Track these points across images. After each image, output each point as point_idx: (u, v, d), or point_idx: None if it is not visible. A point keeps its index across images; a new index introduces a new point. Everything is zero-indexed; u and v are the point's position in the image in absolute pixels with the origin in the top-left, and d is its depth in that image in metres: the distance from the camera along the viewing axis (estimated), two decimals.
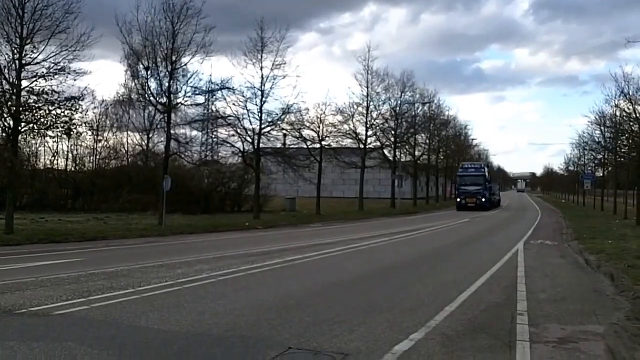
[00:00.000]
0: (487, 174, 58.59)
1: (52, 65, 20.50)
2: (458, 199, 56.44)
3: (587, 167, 61.52)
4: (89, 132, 40.65)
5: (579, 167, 67.17)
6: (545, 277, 13.17)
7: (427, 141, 64.82)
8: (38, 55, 20.44)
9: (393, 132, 53.22)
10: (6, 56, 20.08)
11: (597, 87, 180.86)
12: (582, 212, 48.92)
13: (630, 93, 33.12)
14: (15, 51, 20.08)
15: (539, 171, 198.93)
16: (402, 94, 54.50)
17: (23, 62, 20.16)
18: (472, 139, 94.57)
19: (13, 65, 20.13)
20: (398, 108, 53.88)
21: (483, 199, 54.46)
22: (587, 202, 65.21)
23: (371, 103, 50.15)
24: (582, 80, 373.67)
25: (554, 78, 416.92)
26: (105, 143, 44.72)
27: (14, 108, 19.92)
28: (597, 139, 48.23)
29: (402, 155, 57.22)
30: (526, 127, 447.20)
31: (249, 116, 36.11)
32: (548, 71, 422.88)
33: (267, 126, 36.75)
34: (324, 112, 43.23)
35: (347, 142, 49.16)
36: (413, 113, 58.23)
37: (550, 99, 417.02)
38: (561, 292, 11.13)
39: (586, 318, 8.71)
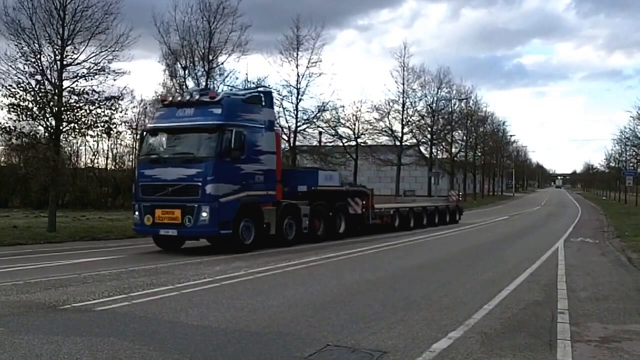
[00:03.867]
0: (242, 125, 16.06)
1: (93, 65, 20.85)
2: (136, 213, 16.76)
3: (628, 163, 60.14)
4: (129, 131, 41.29)
5: (621, 163, 65.73)
6: (587, 275, 12.93)
7: (464, 138, 64.22)
8: (79, 56, 20.81)
9: (429, 129, 52.87)
10: (48, 57, 20.49)
11: None
12: (624, 210, 47.77)
13: None
14: (56, 52, 20.47)
15: (579, 168, 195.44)
16: (439, 91, 54.19)
17: (64, 62, 20.54)
18: (511, 136, 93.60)
19: (55, 66, 20.52)
20: (434, 105, 53.55)
21: (207, 209, 15.16)
22: (629, 199, 63.69)
23: (407, 100, 49.94)
24: (627, 74, 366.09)
25: (597, 73, 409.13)
26: None
27: (56, 108, 20.34)
28: (639, 135, 47.23)
29: (438, 152, 56.74)
30: (567, 124, 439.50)
31: (285, 114, 36.38)
32: (591, 66, 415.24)
33: (303, 124, 36.94)
34: (360, 110, 43.20)
35: (383, 139, 49.15)
36: (450, 110, 57.60)
37: (593, 94, 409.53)
38: (603, 290, 10.92)
39: (629, 317, 8.52)
